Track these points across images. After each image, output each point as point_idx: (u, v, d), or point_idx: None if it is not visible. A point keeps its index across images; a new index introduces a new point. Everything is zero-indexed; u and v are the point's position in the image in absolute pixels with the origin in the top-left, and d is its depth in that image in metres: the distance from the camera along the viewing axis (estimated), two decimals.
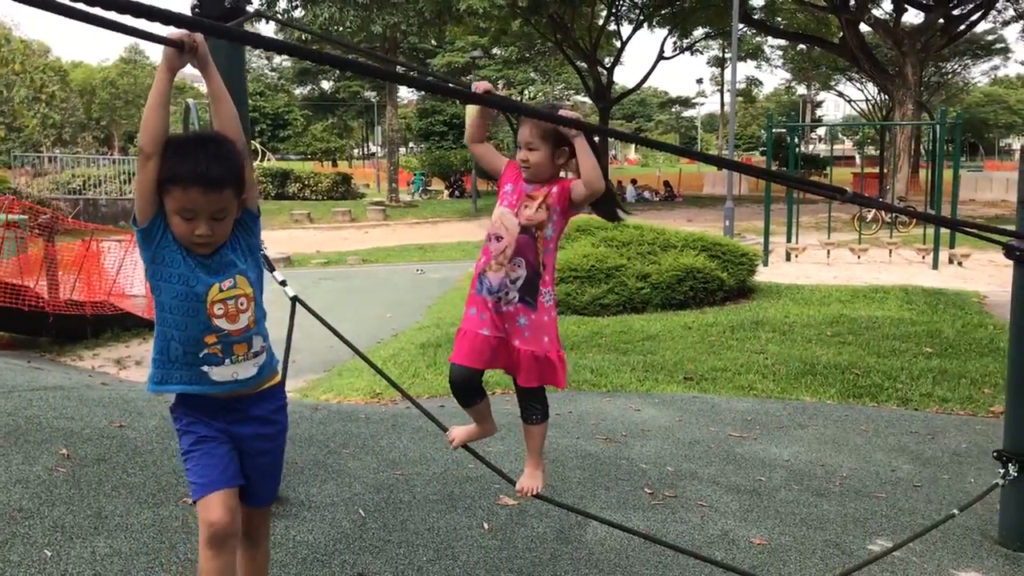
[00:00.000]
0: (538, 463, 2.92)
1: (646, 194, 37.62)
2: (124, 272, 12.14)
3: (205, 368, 2.35)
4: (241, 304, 2.38)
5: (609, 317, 10.80)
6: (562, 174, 2.82)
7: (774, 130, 29.28)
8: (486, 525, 3.76)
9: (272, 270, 3.33)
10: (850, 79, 56.33)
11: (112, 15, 1.53)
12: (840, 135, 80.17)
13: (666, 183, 39.48)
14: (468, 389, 2.83)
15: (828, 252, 16.71)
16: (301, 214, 29.58)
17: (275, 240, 22.81)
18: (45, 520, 3.35)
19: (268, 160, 48.17)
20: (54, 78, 31.13)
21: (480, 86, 2.56)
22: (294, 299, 3.13)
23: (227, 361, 2.37)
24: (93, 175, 30.10)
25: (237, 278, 2.39)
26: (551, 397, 6.69)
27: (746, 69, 60.95)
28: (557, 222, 2.76)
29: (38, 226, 11.47)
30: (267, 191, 34.53)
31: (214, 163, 2.27)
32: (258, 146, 51.56)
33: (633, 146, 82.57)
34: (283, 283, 3.17)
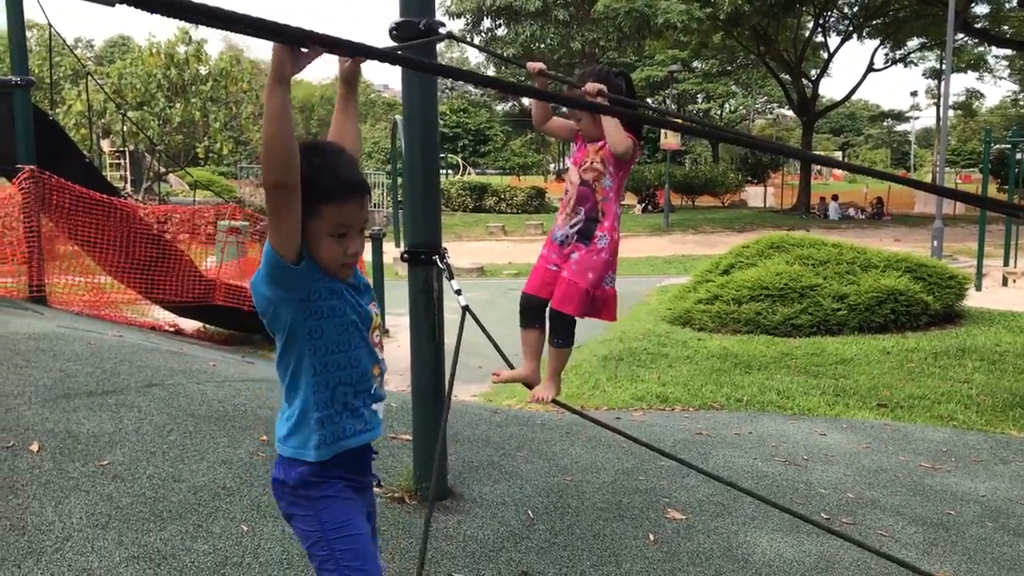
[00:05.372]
0: (554, 380, 3.43)
1: (851, 211, 35.76)
2: None
3: (376, 407, 2.10)
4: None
5: (801, 338, 10.42)
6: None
7: (997, 145, 27.13)
8: (652, 536, 3.78)
9: (451, 278, 3.51)
10: None
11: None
12: None
13: (878, 199, 37.03)
14: (531, 312, 3.36)
15: None
16: (496, 226, 30.36)
17: (470, 251, 23.56)
18: (244, 498, 3.68)
19: (469, 174, 49.74)
20: None
21: (533, 66, 3.12)
22: (465, 308, 3.30)
23: (383, 393, 2.13)
24: None
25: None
26: (733, 416, 6.56)
27: (967, 81, 57.19)
28: (614, 174, 3.23)
29: (257, 232, 12.45)
30: (465, 204, 35.70)
31: (356, 170, 2.02)
32: (460, 161, 53.42)
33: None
34: (458, 292, 3.33)
